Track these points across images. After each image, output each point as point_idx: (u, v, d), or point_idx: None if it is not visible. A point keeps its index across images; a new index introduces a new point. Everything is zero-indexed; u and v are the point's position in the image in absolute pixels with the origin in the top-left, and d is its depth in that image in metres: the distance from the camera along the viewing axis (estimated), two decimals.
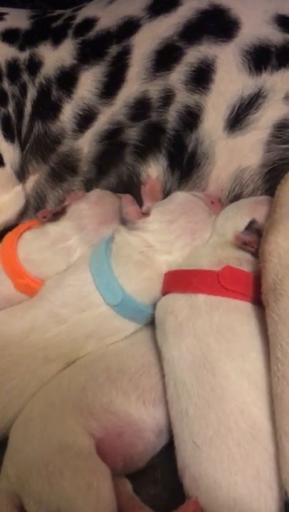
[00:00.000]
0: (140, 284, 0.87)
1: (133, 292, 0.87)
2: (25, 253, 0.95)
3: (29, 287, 0.93)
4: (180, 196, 0.96)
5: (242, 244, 0.84)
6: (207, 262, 0.84)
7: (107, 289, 0.86)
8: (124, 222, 0.94)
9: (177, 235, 0.90)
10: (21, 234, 0.98)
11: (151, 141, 1.02)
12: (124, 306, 0.86)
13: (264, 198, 0.92)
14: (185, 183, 1.01)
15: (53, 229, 0.96)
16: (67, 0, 1.36)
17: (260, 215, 0.85)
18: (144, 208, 0.94)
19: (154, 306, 0.86)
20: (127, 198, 0.94)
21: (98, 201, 0.99)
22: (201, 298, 0.79)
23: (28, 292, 0.93)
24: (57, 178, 1.09)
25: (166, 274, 0.87)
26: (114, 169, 1.05)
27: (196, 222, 0.92)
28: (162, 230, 0.90)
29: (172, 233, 0.90)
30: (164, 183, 1.02)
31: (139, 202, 0.99)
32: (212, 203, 0.96)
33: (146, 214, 0.92)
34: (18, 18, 1.18)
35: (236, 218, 0.89)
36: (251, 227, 0.84)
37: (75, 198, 1.02)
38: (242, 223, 0.86)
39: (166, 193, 1.01)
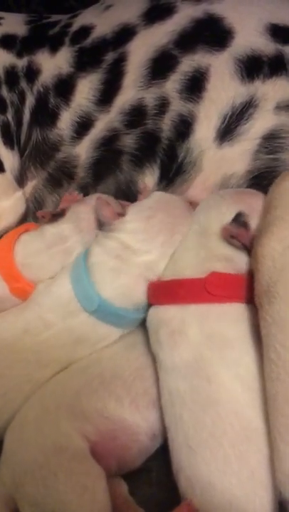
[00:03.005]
0: (117, 289, 0.86)
1: (111, 298, 0.85)
2: (22, 257, 0.94)
3: (24, 291, 0.93)
4: (158, 194, 0.95)
5: (229, 238, 0.81)
6: (191, 269, 0.82)
7: (84, 295, 0.86)
8: (100, 225, 0.93)
9: (156, 231, 0.87)
10: (19, 236, 0.98)
11: (148, 150, 1.02)
12: (102, 312, 0.85)
13: (248, 189, 0.92)
14: (167, 188, 1.01)
15: (50, 231, 0.96)
16: (63, 4, 1.38)
17: (247, 206, 0.83)
18: (118, 208, 0.93)
19: (136, 310, 0.86)
20: (101, 200, 0.93)
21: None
22: (191, 308, 0.78)
23: (22, 296, 0.93)
24: (55, 184, 1.09)
25: (150, 285, 0.85)
26: (112, 176, 1.05)
27: (175, 216, 0.90)
28: (140, 228, 0.88)
29: (151, 229, 0.88)
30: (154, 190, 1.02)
31: None
32: (190, 203, 0.95)
33: (122, 214, 0.91)
34: (15, 24, 1.19)
35: (221, 208, 0.85)
36: (238, 219, 0.81)
37: (71, 199, 1.02)
38: (228, 214, 0.83)
39: None
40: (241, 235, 0.80)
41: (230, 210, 0.83)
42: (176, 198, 0.94)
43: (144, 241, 0.87)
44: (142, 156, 1.03)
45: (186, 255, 0.85)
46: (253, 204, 0.83)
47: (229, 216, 0.82)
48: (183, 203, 0.93)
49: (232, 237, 0.80)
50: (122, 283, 0.86)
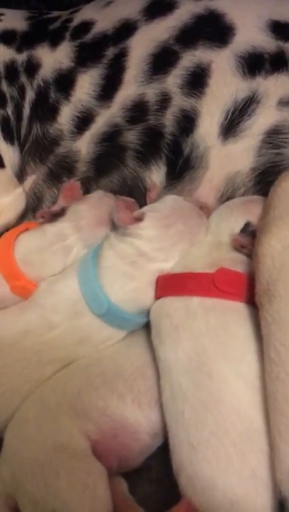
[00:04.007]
0: (126, 294, 0.86)
1: (119, 302, 0.85)
2: (22, 254, 0.94)
3: (25, 289, 0.92)
4: (173, 200, 0.95)
5: (240, 247, 0.83)
6: (201, 264, 0.84)
7: (92, 298, 0.85)
8: (115, 228, 0.92)
9: (175, 241, 0.87)
10: (19, 235, 0.97)
11: (151, 146, 1.02)
12: (110, 316, 0.85)
13: (256, 197, 0.92)
14: (175, 186, 1.01)
15: (50, 230, 0.95)
16: (63, 1, 1.37)
17: (254, 216, 0.85)
18: (136, 213, 0.91)
19: (141, 314, 0.86)
20: (120, 203, 0.93)
21: (97, 203, 0.99)
22: (196, 301, 0.79)
23: (23, 295, 0.93)
24: (54, 178, 1.09)
25: (159, 278, 0.86)
26: (116, 172, 1.05)
27: (193, 225, 0.90)
28: (158, 236, 0.88)
29: (170, 239, 0.88)
30: (162, 189, 1.02)
31: (142, 206, 0.98)
32: (201, 207, 0.95)
33: (139, 219, 0.89)
34: (15, 19, 1.18)
35: (231, 220, 0.88)
36: (247, 229, 0.84)
37: (69, 187, 1.03)
38: (237, 225, 0.86)
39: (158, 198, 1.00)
40: (250, 244, 0.82)
41: (239, 222, 0.86)
42: (191, 206, 0.94)
43: (162, 250, 0.87)
44: (146, 153, 1.03)
45: (198, 253, 0.87)
46: (259, 214, 0.84)
47: (238, 227, 0.85)
48: (197, 211, 0.93)
49: (242, 246, 0.83)
50: (132, 288, 0.86)
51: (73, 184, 1.05)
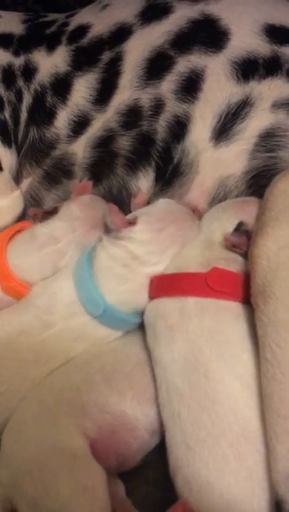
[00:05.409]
0: (121, 295, 0.86)
1: (114, 303, 0.86)
2: (13, 257, 0.94)
3: (16, 291, 0.93)
4: (166, 203, 0.95)
5: (231, 247, 0.83)
6: (194, 264, 0.84)
7: (88, 300, 0.86)
8: (108, 231, 0.92)
9: (167, 245, 0.88)
10: (12, 236, 0.98)
11: (142, 152, 1.02)
12: (106, 317, 0.86)
13: (250, 198, 0.92)
14: (165, 192, 1.01)
15: (42, 231, 0.95)
16: (60, 3, 1.37)
17: (247, 215, 0.85)
18: (129, 217, 0.92)
19: (136, 314, 0.86)
20: (113, 207, 0.92)
21: (91, 205, 0.99)
22: (191, 301, 0.79)
23: (15, 296, 0.93)
24: (52, 181, 1.09)
25: (153, 279, 0.86)
26: (105, 180, 1.05)
27: (186, 229, 0.90)
28: (151, 239, 0.88)
29: (162, 242, 0.88)
30: (149, 195, 1.02)
31: (125, 215, 0.97)
32: (193, 210, 0.95)
33: (132, 223, 0.90)
34: (12, 22, 1.19)
35: (223, 219, 0.88)
36: (240, 228, 0.84)
37: (81, 186, 1.02)
38: (229, 224, 0.85)
39: (147, 204, 1.00)
40: (242, 243, 0.82)
41: (232, 220, 0.86)
42: (184, 209, 0.94)
43: (154, 253, 0.87)
44: (137, 160, 1.03)
45: (191, 253, 0.87)
46: (253, 213, 0.84)
47: (231, 226, 0.85)
48: (190, 214, 0.94)
49: (234, 246, 0.83)
50: (126, 289, 0.86)
51: (86, 184, 1.04)
